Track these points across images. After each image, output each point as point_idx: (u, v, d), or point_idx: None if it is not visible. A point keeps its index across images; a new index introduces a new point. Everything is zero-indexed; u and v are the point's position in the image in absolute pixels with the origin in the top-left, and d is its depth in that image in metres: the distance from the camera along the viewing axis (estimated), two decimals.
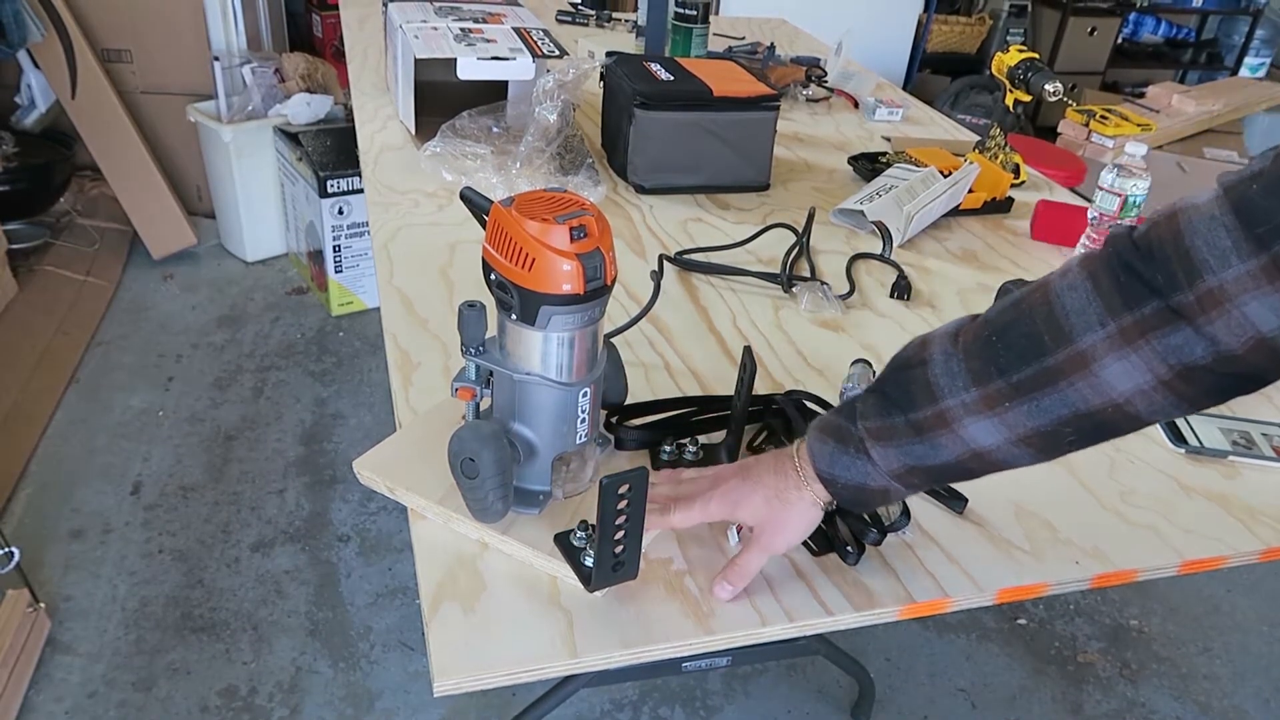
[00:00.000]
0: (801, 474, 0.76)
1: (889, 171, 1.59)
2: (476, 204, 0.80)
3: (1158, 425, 1.06)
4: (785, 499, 0.76)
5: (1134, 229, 0.63)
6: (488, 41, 1.60)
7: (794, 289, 1.29)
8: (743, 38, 2.46)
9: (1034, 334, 0.65)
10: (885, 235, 1.42)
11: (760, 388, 1.07)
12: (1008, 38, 4.74)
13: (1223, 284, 0.57)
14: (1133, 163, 1.34)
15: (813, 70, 2.16)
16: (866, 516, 0.85)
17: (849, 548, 0.84)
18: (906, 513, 0.88)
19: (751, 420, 0.99)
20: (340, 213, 2.78)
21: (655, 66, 1.60)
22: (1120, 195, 1.33)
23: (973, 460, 0.70)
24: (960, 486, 0.93)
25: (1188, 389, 0.62)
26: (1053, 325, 0.64)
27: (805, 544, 0.85)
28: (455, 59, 1.52)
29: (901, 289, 1.31)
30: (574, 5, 2.63)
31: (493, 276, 0.76)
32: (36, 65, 3.01)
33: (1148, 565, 0.88)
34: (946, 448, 0.69)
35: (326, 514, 2.19)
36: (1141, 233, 0.62)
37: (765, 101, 1.55)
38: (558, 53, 1.59)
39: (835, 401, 1.03)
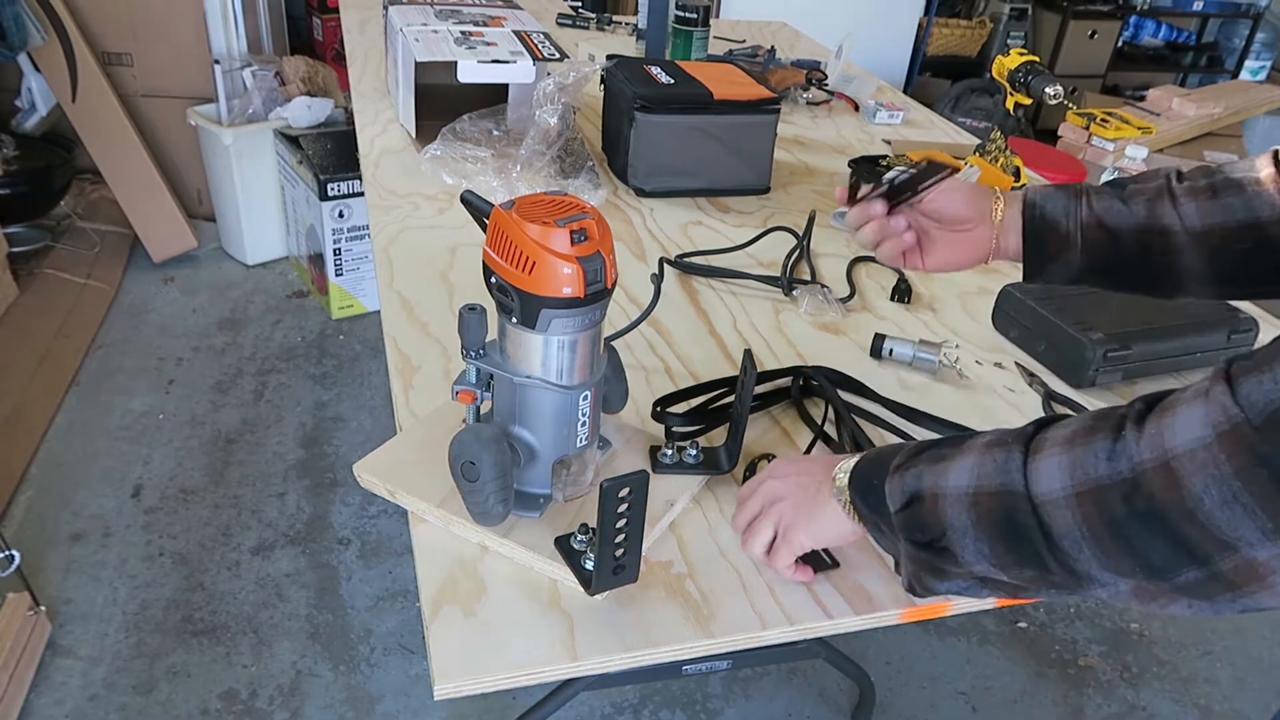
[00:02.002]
0: (999, 191, 0.90)
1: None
2: (477, 207, 0.80)
3: None
4: (970, 187, 0.93)
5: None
6: (488, 45, 1.60)
7: (794, 292, 1.29)
8: (743, 41, 2.46)
9: (1246, 164, 0.84)
10: None
11: (761, 391, 1.07)
12: (1008, 41, 4.74)
13: None
14: (1133, 166, 1.34)
15: (813, 73, 2.16)
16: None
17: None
18: None
19: (761, 408, 1.01)
20: (341, 216, 2.78)
21: (656, 70, 1.60)
22: None
23: (1158, 237, 0.86)
24: None
25: None
26: (1266, 161, 0.84)
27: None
28: (456, 62, 1.52)
29: (902, 292, 1.31)
30: (574, 8, 2.63)
31: (493, 279, 0.76)
32: (37, 68, 3.01)
33: None
34: (1143, 214, 0.86)
35: (327, 517, 2.18)
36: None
37: (765, 105, 1.55)
38: (558, 56, 1.59)
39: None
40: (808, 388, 1.08)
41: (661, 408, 1.00)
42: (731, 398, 1.00)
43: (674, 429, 0.97)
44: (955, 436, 0.70)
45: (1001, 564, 0.63)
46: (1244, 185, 0.82)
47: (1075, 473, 0.58)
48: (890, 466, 0.71)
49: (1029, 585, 0.63)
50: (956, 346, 1.21)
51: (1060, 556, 0.59)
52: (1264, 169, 0.83)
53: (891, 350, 1.16)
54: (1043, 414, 1.08)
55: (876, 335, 1.18)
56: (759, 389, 1.06)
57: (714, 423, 1.00)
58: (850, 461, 0.77)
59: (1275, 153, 0.84)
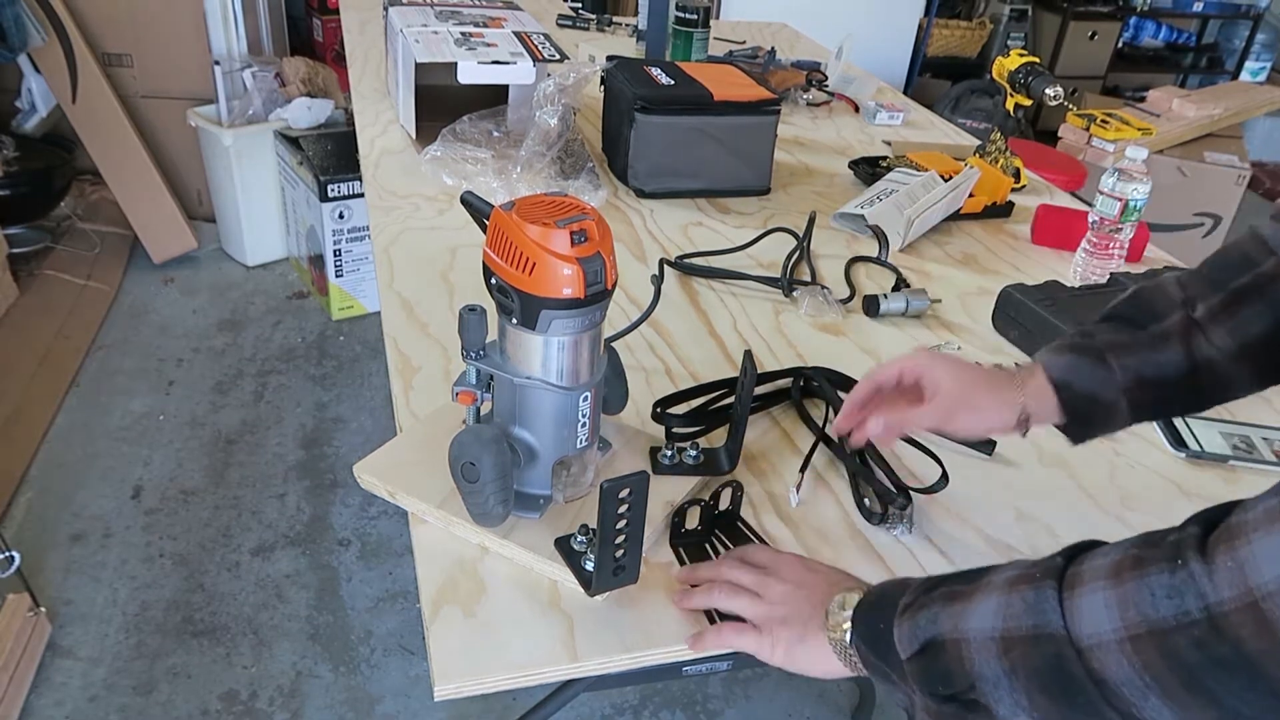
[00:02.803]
0: (1021, 388, 0.80)
1: (889, 176, 1.59)
2: (477, 208, 0.80)
3: (1158, 428, 1.06)
4: (983, 390, 0.81)
5: None
6: (488, 46, 1.60)
7: (794, 293, 1.29)
8: (743, 42, 2.46)
9: (1241, 254, 0.77)
10: (881, 239, 1.42)
11: (761, 392, 1.07)
12: (1008, 42, 4.74)
13: None
14: (1133, 167, 1.34)
15: (813, 74, 2.16)
16: (892, 486, 0.89)
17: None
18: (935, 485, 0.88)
19: (762, 409, 1.02)
20: (341, 217, 2.79)
21: (656, 71, 1.60)
22: (1121, 199, 1.33)
23: (1206, 372, 0.76)
24: (963, 486, 0.93)
25: None
26: (1254, 246, 0.77)
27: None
28: (456, 63, 1.52)
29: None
30: (574, 9, 2.63)
31: (493, 280, 0.76)
32: (37, 69, 3.01)
33: None
34: (1181, 356, 0.77)
35: (327, 518, 2.18)
36: None
37: (766, 106, 1.55)
38: (558, 57, 1.59)
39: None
40: (808, 389, 1.08)
41: (662, 408, 1.00)
42: (731, 399, 1.00)
43: (674, 430, 0.97)
44: (972, 571, 0.63)
45: (1046, 717, 0.56)
46: (1259, 286, 0.75)
47: (1127, 611, 0.51)
48: (899, 607, 0.64)
49: None
50: (958, 348, 1.21)
51: (1121, 705, 0.52)
52: (1266, 260, 0.76)
53: (886, 308, 1.24)
54: None
55: (867, 297, 1.25)
56: (759, 390, 1.06)
57: (714, 424, 1.00)
58: (852, 598, 0.69)
59: (1260, 235, 0.78)
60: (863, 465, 0.94)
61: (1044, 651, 0.54)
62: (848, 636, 0.68)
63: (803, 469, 0.95)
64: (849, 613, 0.68)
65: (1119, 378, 0.77)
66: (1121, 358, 0.78)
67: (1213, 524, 0.51)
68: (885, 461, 0.95)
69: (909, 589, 0.65)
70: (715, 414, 1.01)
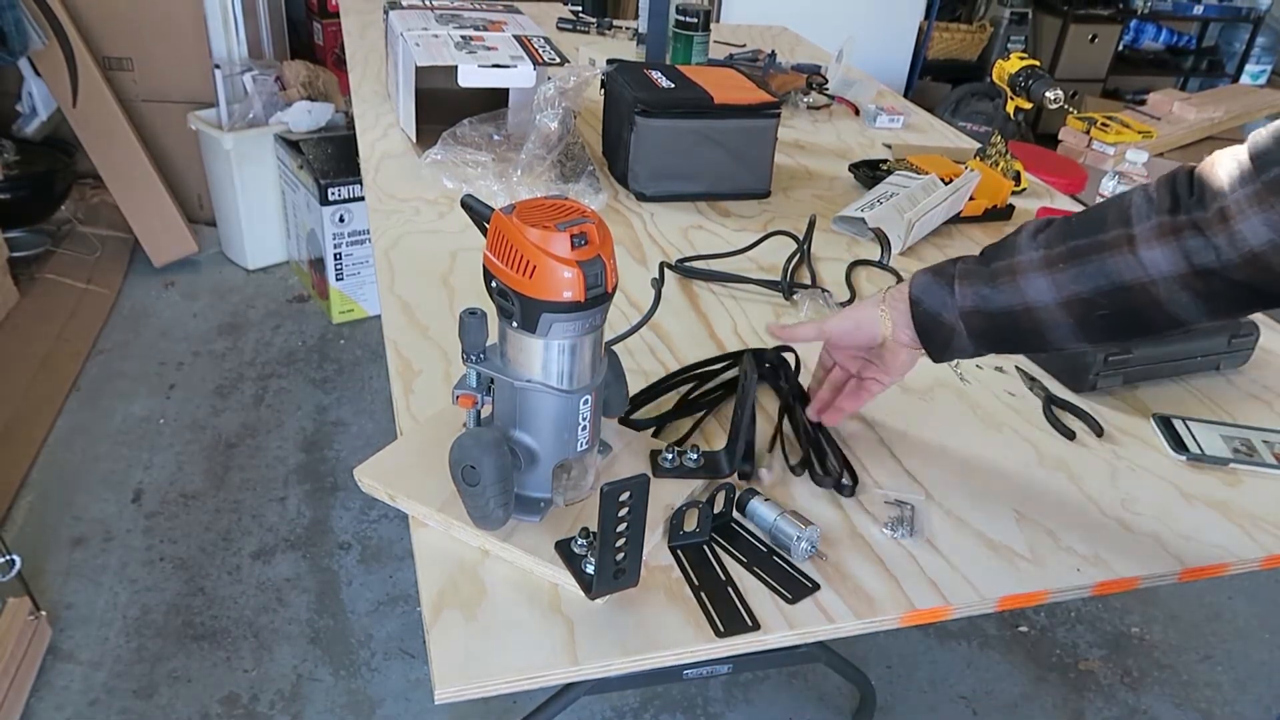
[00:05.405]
0: (885, 297, 0.94)
1: (890, 179, 1.59)
2: (477, 211, 0.80)
3: (1158, 431, 1.06)
4: (860, 304, 0.96)
5: (1192, 166, 0.79)
6: (488, 49, 1.61)
7: (795, 296, 1.29)
8: (744, 45, 2.46)
9: (1100, 218, 0.81)
10: (884, 242, 1.42)
11: (721, 381, 1.07)
12: (1009, 45, 4.75)
13: (1228, 205, 0.73)
14: (1134, 170, 1.34)
15: (814, 77, 2.16)
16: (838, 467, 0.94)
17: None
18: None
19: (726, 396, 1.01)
20: (341, 220, 2.79)
21: (656, 74, 1.60)
22: None
23: (1024, 315, 0.84)
24: (963, 490, 0.93)
25: (1203, 288, 0.76)
26: (1116, 213, 0.80)
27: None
28: (456, 66, 1.52)
29: None
30: (575, 13, 2.63)
31: (494, 284, 0.76)
32: (37, 73, 3.02)
33: (1149, 572, 0.87)
34: (1007, 295, 0.85)
35: (327, 521, 2.18)
36: (1194, 166, 0.78)
37: (766, 109, 1.55)
38: (558, 60, 1.59)
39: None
40: (770, 369, 1.10)
41: (629, 413, 1.00)
42: (693, 386, 1.02)
43: (642, 428, 0.98)
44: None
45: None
46: (1105, 246, 0.80)
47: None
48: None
49: None
50: None
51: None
52: (1113, 229, 0.80)
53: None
54: (1044, 418, 1.08)
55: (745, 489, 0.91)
56: (720, 379, 1.08)
57: (683, 415, 1.02)
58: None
59: (1128, 200, 0.81)
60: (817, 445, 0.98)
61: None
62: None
63: (770, 448, 0.98)
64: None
65: (957, 302, 0.87)
66: (964, 285, 0.87)
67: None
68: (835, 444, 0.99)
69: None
70: (691, 405, 1.03)
